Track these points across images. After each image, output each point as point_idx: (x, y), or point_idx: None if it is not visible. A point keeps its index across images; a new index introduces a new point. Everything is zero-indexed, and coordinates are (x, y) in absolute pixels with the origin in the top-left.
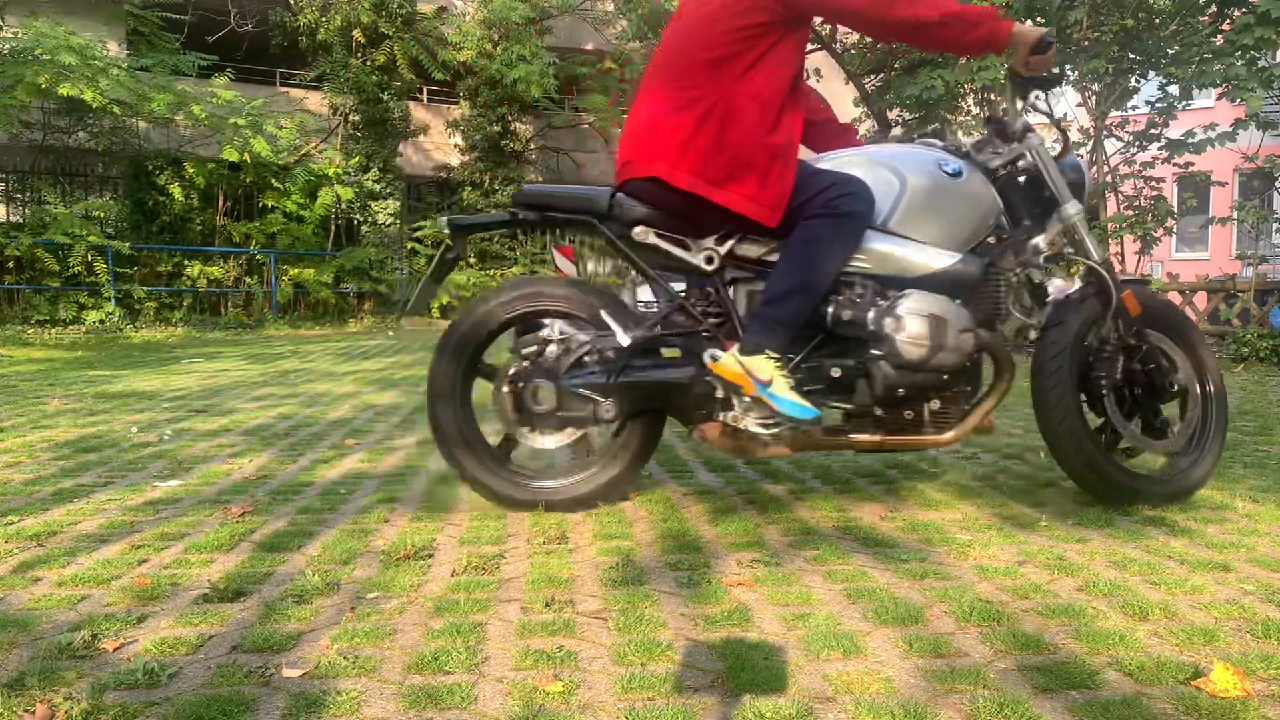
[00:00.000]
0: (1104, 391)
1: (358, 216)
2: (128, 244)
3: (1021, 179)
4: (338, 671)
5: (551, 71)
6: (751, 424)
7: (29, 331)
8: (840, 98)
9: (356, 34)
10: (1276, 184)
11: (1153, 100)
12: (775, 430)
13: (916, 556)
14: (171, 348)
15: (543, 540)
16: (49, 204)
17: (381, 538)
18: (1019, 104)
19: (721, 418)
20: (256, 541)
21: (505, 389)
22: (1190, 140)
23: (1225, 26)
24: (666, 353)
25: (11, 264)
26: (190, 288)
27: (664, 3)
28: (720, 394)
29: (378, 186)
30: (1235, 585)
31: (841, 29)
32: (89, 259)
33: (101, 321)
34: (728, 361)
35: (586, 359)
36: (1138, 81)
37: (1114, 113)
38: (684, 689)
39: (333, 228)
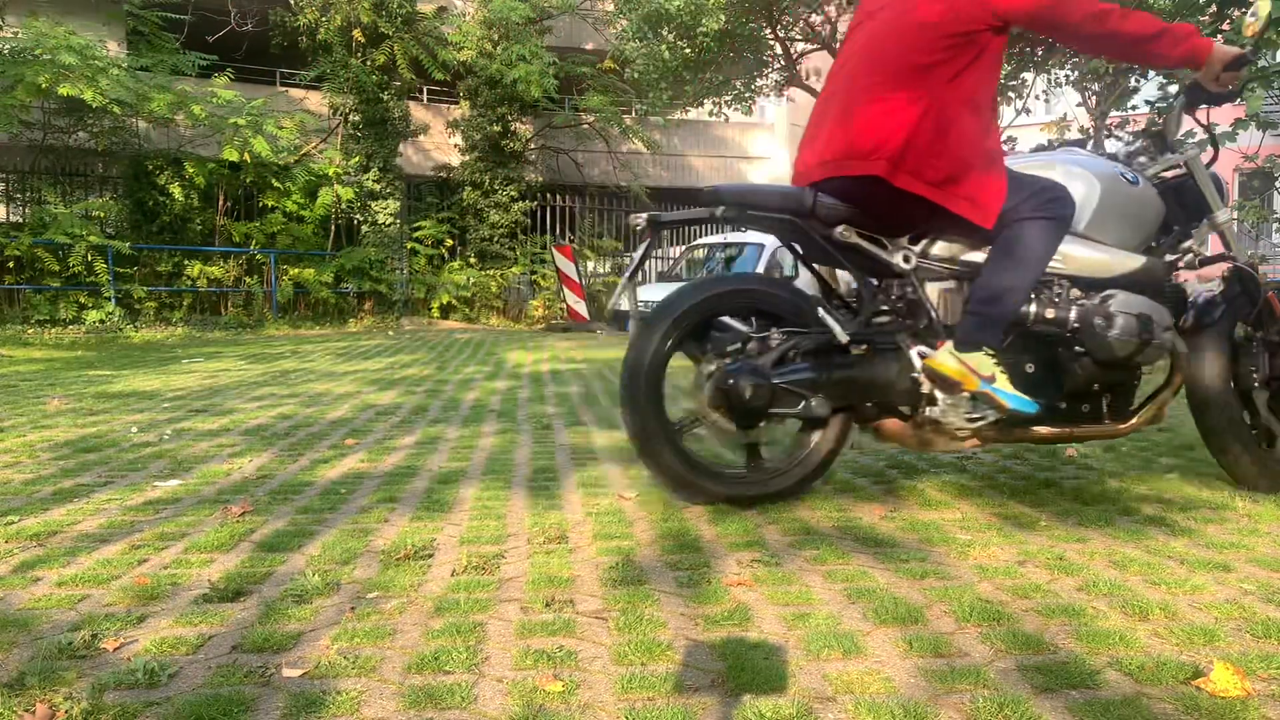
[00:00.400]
0: (1255, 385)
1: (358, 216)
2: (128, 244)
3: (1170, 186)
4: (338, 671)
5: (551, 71)
6: (957, 419)
7: (29, 331)
8: None
9: (356, 34)
10: (1276, 184)
11: (1153, 100)
12: (978, 425)
13: (916, 556)
14: (171, 348)
15: (543, 540)
16: (49, 204)
17: (381, 538)
18: (1183, 116)
19: (927, 413)
20: (256, 541)
21: (708, 385)
22: (1190, 140)
23: (1225, 27)
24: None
25: (11, 264)
26: (190, 288)
27: (663, 2)
28: (925, 389)
29: (378, 186)
30: (1235, 585)
31: (842, 28)
32: (89, 259)
33: (101, 321)
34: (945, 358)
35: (790, 356)
36: (1138, 81)
37: (1114, 113)
38: (684, 689)
39: (333, 228)
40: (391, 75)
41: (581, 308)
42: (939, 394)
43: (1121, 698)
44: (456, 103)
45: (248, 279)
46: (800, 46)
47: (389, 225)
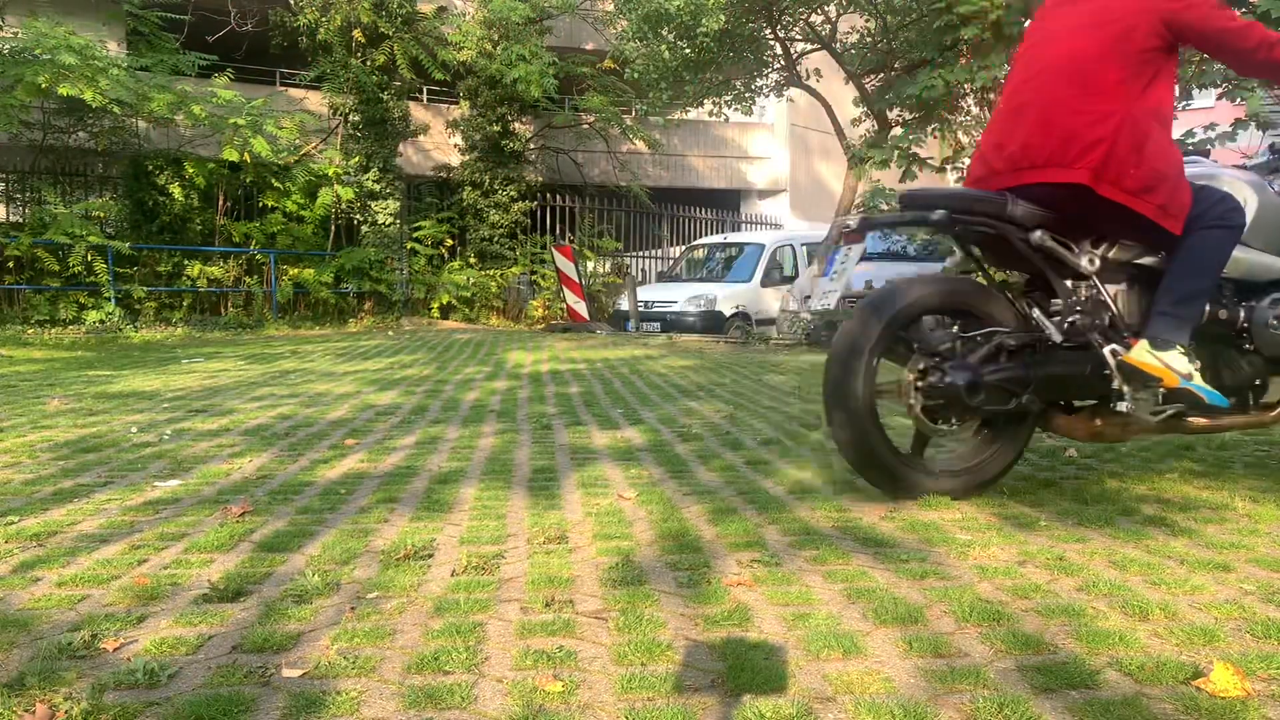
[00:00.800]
0: None
1: (358, 216)
2: (128, 244)
3: None
4: (338, 671)
5: (551, 71)
6: (1144, 413)
7: (29, 331)
8: (840, 97)
9: (356, 34)
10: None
11: None
12: (1163, 418)
13: (916, 556)
14: (171, 348)
15: (543, 540)
16: (49, 204)
17: (381, 538)
18: None
19: (1116, 407)
20: (256, 541)
21: (918, 382)
22: (1190, 140)
23: None
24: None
25: (11, 264)
26: (190, 288)
27: (663, 2)
28: (1115, 384)
29: (378, 186)
30: (1235, 585)
31: (842, 28)
32: (89, 259)
33: (101, 321)
34: (1144, 356)
35: (996, 354)
36: None
37: None
38: (684, 689)
39: (333, 228)
40: (391, 75)
41: (581, 308)
42: (1126, 389)
43: (1121, 698)
44: (456, 103)
45: (248, 279)
46: (800, 46)
47: (389, 225)
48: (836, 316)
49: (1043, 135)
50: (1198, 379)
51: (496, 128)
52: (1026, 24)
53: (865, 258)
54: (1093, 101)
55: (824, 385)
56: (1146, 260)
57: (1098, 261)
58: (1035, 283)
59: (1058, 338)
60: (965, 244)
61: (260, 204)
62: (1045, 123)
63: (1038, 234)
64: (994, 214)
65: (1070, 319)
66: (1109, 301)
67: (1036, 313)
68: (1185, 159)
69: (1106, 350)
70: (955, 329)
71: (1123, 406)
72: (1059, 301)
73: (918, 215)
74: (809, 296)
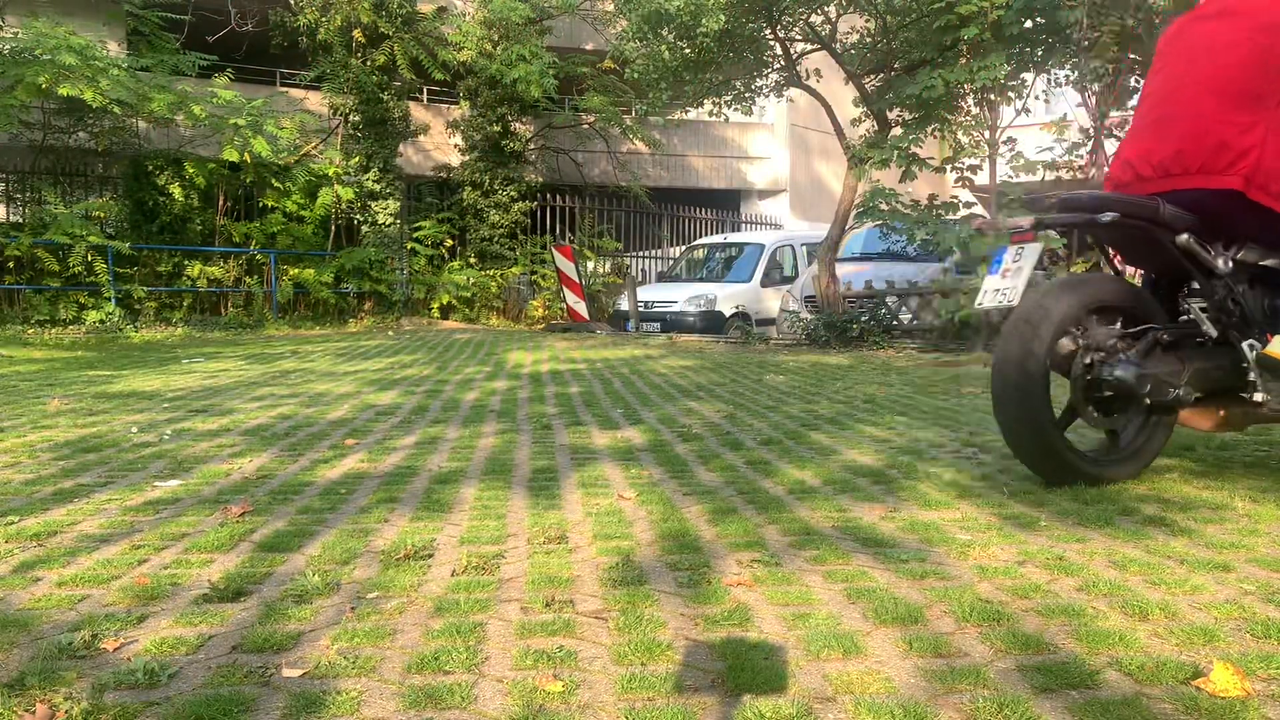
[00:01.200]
0: None
1: (358, 216)
2: (128, 244)
3: None
4: (338, 671)
5: (551, 71)
6: (1276, 402)
7: (29, 331)
8: (840, 98)
9: (356, 34)
10: None
11: None
12: None
13: (916, 556)
14: (171, 348)
15: (543, 540)
16: (49, 204)
17: (381, 538)
18: None
19: (1254, 397)
20: (256, 541)
21: (1085, 376)
22: None
23: None
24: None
25: (11, 264)
26: (190, 288)
27: (663, 2)
28: (1251, 376)
29: (378, 186)
30: (1235, 585)
31: (843, 28)
32: (89, 259)
33: (101, 321)
34: None
35: (1153, 349)
36: (1138, 81)
37: (1114, 113)
38: (684, 689)
39: (333, 228)
40: (391, 75)
41: (581, 308)
42: (1261, 381)
43: (1121, 698)
44: (456, 103)
45: (248, 279)
46: (800, 46)
47: (389, 225)
48: (842, 319)
49: (1194, 144)
50: None
51: (496, 128)
52: (1027, 24)
53: (865, 258)
54: (1238, 113)
55: (999, 386)
56: (1269, 261)
57: (1231, 263)
58: (1159, 282)
59: (1214, 333)
60: (1104, 243)
61: (260, 204)
62: (1195, 132)
63: (1184, 236)
64: (1149, 217)
65: (1215, 316)
66: (1242, 299)
67: (1195, 309)
68: None
69: (1244, 345)
70: (1118, 326)
71: (1258, 397)
72: (1197, 300)
73: (1087, 217)
74: (811, 296)
